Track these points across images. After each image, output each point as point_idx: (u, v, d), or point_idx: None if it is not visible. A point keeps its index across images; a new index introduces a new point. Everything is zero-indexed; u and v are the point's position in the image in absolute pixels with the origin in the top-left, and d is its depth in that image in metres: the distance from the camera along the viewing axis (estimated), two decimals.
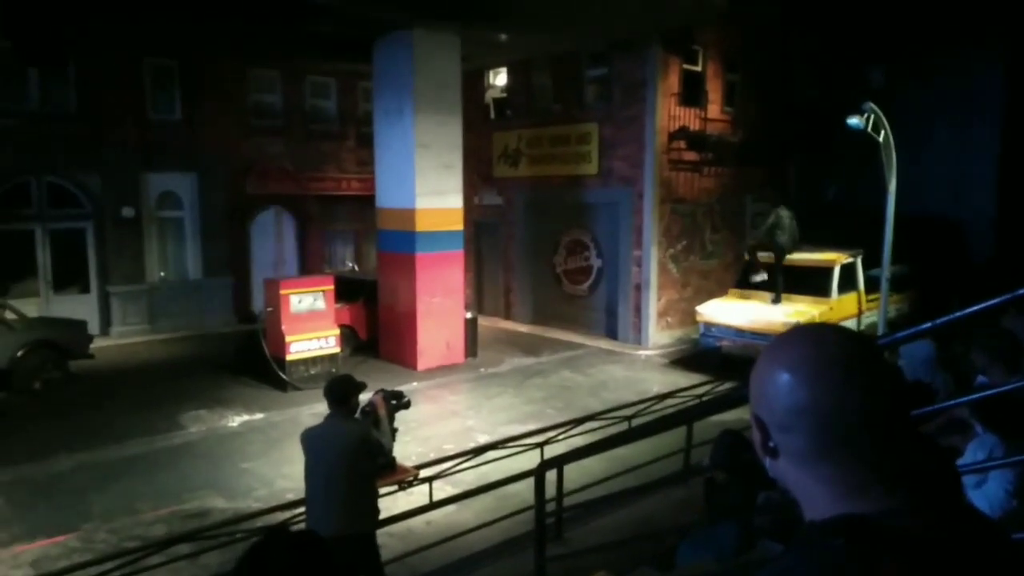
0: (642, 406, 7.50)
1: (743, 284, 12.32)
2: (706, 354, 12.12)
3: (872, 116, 9.88)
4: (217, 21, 12.21)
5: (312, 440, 4.48)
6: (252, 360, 11.36)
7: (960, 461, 3.14)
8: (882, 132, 9.99)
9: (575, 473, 6.20)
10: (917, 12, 14.58)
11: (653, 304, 14.06)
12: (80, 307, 13.88)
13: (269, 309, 11.13)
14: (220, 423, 9.61)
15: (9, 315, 10.71)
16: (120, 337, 14.30)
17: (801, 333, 1.06)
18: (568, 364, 12.86)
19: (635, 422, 6.94)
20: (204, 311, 15.43)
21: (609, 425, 7.20)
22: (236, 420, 9.72)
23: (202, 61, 15.12)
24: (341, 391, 4.58)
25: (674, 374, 12.02)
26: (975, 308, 2.53)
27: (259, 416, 9.88)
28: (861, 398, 0.97)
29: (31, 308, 12.54)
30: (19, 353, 10.43)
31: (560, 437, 6.76)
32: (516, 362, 13.01)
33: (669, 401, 7.97)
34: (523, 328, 15.90)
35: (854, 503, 0.95)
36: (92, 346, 11.59)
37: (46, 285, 14.04)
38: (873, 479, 0.96)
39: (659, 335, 14.19)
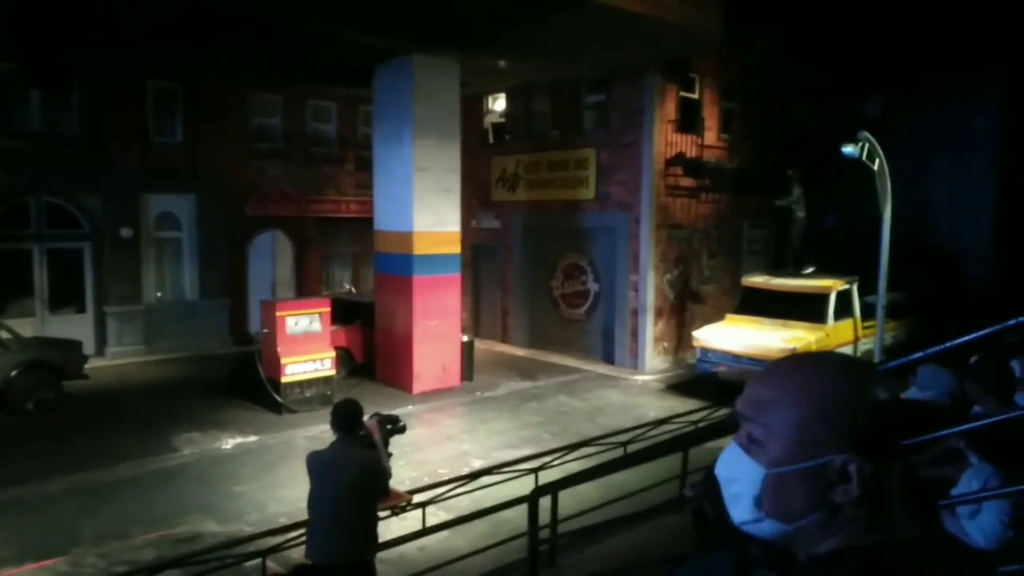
0: (638, 432, 7.47)
1: (743, 309, 12.38)
2: (702, 380, 12.09)
3: (867, 145, 9.99)
4: (220, 47, 12.35)
5: (319, 465, 4.39)
6: (247, 382, 11.31)
7: (954, 491, 3.13)
8: (877, 161, 10.09)
9: (570, 499, 6.17)
10: (915, 45, 14.80)
11: (650, 329, 14.05)
12: (76, 327, 13.84)
13: (265, 331, 11.11)
14: (214, 445, 9.54)
15: (3, 335, 10.68)
16: (115, 358, 14.25)
17: (850, 366, 1.03)
18: (564, 388, 12.83)
19: (631, 448, 6.91)
20: (200, 332, 15.39)
21: (605, 451, 7.17)
22: (230, 443, 9.66)
23: (204, 85, 15.25)
24: (350, 416, 4.49)
25: (671, 399, 11.99)
26: (966, 338, 2.54)
27: (253, 439, 9.82)
28: (899, 429, 0.99)
29: (26, 328, 12.49)
30: (13, 373, 10.38)
31: (555, 463, 6.72)
32: (512, 386, 12.97)
33: (665, 427, 7.94)
34: (520, 352, 15.88)
35: (860, 536, 0.95)
36: (87, 366, 11.54)
37: (42, 305, 14.02)
38: (882, 511, 0.96)
39: (656, 360, 14.17)
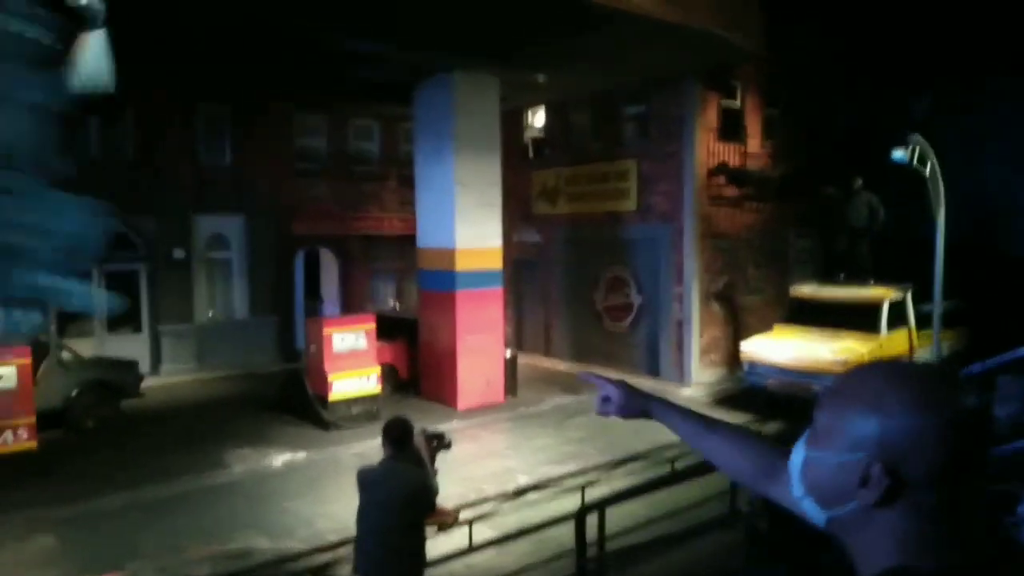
0: (685, 447, 7.34)
1: (792, 319, 12.10)
2: (751, 392, 11.84)
3: (917, 147, 9.69)
4: (268, 68, 12.70)
5: (369, 481, 4.40)
6: (295, 399, 11.51)
7: (1021, 507, 3.00)
8: (928, 164, 9.78)
9: (617, 516, 6.09)
10: (963, 41, 14.37)
11: (695, 341, 13.85)
12: (132, 346, 14.31)
13: (312, 348, 11.29)
14: (263, 462, 9.71)
15: (65, 355, 11.09)
16: (169, 376, 14.66)
17: (923, 375, 0.98)
18: None
19: (678, 464, 6.80)
20: (250, 350, 15.73)
21: (651, 467, 7.07)
22: (279, 459, 9.82)
23: (252, 107, 15.69)
24: (401, 432, 4.48)
25: (718, 413, 11.75)
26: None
27: (301, 455, 9.96)
28: (977, 446, 0.95)
29: (86, 347, 12.94)
30: (74, 393, 10.77)
31: (602, 479, 6.66)
32: (556, 401, 12.90)
33: None
34: (563, 366, 15.80)
35: (920, 556, 0.91)
36: (142, 385, 11.92)
37: (101, 325, 14.52)
38: (947, 532, 0.92)
39: (702, 373, 13.94)
